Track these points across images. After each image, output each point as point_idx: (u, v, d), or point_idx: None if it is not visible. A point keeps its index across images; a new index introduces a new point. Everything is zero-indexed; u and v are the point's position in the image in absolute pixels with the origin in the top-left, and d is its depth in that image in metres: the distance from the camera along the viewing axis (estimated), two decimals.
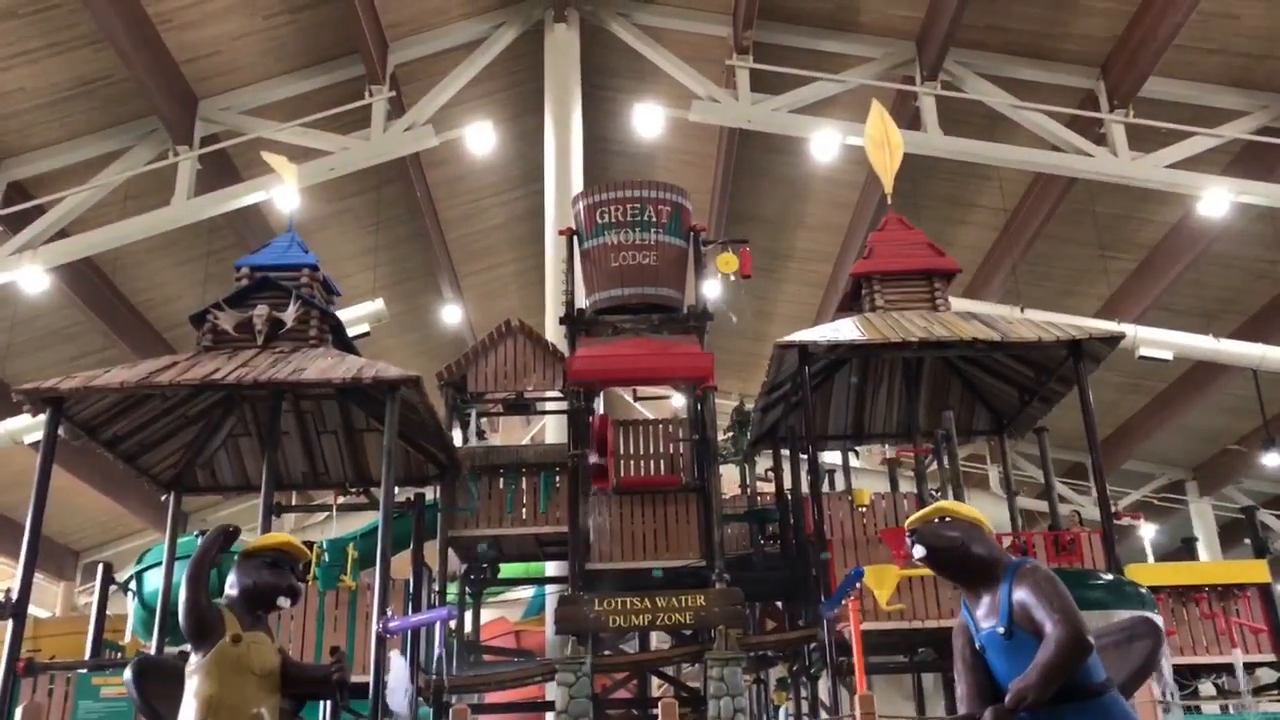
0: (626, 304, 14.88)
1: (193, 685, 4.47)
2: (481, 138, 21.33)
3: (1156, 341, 20.72)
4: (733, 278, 15.67)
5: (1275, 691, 13.55)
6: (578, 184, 20.27)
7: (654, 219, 14.95)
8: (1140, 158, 18.14)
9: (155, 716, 4.65)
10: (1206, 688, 14.15)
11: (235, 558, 4.83)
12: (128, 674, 4.67)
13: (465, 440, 14.91)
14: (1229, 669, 13.11)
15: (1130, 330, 19.30)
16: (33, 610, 26.79)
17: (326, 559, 13.62)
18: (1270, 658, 13.30)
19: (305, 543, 14.36)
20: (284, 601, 4.74)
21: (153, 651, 13.12)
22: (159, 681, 4.66)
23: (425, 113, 19.84)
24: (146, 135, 19.51)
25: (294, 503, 20.19)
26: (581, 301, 15.23)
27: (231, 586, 4.72)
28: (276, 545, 4.83)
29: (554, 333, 16.85)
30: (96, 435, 12.84)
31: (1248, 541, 24.67)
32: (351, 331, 16.67)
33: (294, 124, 19.39)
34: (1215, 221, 19.40)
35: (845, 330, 13.51)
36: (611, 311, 14.97)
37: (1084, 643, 4.18)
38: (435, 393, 14.79)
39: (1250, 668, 13.14)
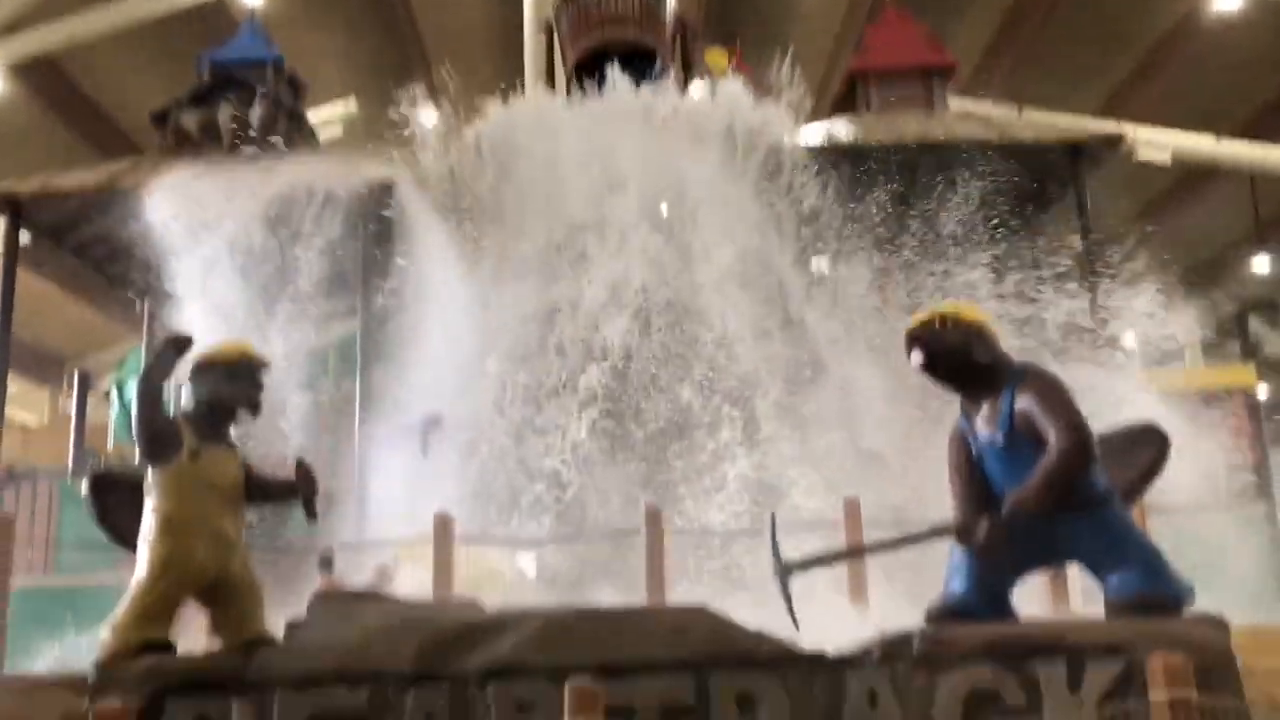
0: (608, 46, 14.31)
1: (151, 502, 4.27)
2: None
3: (1155, 143, 20.16)
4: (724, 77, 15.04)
5: None
6: None
7: None
8: None
9: (114, 532, 4.46)
10: None
11: (190, 368, 4.50)
12: (85, 488, 4.46)
13: None
14: None
15: (1129, 131, 18.69)
16: (22, 416, 26.82)
17: None
18: None
19: None
20: (245, 415, 4.48)
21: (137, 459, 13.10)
22: (118, 496, 4.45)
23: None
24: None
25: None
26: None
27: (188, 399, 4.45)
28: (234, 354, 4.52)
29: None
30: (62, 241, 12.48)
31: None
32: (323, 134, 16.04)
33: None
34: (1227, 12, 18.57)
35: (839, 131, 13.16)
36: (591, 62, 14.36)
37: (1088, 453, 3.98)
38: None
39: None
